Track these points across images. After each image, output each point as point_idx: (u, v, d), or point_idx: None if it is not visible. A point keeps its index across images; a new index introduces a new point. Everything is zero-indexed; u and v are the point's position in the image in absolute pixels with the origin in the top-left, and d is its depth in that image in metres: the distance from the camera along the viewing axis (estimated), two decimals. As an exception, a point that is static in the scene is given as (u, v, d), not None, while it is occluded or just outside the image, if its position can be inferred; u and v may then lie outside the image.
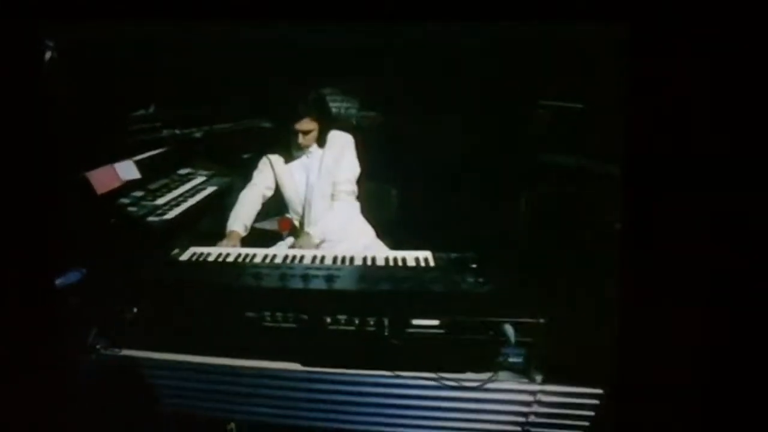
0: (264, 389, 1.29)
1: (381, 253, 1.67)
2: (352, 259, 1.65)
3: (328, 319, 1.26)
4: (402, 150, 2.91)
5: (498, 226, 2.13)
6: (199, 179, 3.13)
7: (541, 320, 1.19)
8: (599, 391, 1.22)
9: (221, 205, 2.54)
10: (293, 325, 1.26)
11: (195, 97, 3.30)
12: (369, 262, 1.61)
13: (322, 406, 1.29)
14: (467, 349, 1.24)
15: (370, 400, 1.28)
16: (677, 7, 1.46)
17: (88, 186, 2.30)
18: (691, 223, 1.47)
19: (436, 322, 1.24)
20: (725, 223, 1.45)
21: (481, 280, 1.34)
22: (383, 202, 2.56)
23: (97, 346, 1.33)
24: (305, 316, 1.24)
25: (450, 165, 2.77)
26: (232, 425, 1.48)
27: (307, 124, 2.06)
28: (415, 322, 1.25)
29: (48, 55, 2.42)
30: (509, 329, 1.21)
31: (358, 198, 2.34)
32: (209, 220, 2.52)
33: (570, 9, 1.50)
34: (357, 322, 1.24)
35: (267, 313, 1.27)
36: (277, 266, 1.58)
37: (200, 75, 3.12)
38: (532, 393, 1.25)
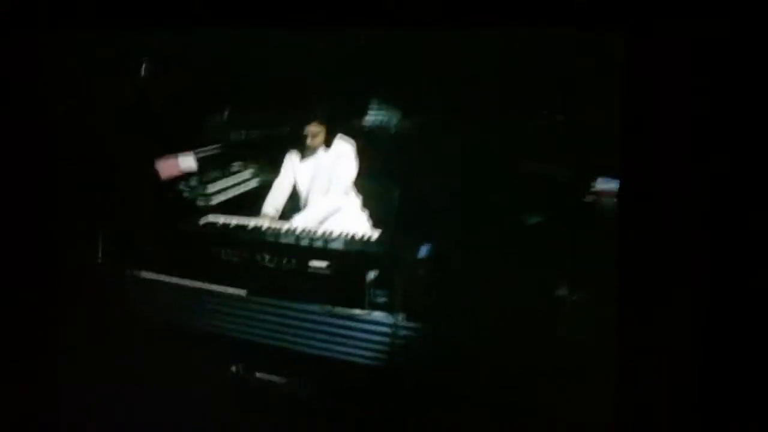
0: (220, 306, 2.03)
1: (348, 230, 2.28)
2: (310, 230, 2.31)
3: (258, 257, 1.98)
4: (405, 155, 3.49)
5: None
6: (247, 174, 4.07)
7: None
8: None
9: (262, 196, 3.29)
10: (236, 260, 2.01)
11: (258, 104, 4.28)
12: (324, 233, 2.27)
13: (257, 323, 1.99)
14: (349, 287, 1.86)
15: (288, 321, 1.96)
16: (671, 18, 1.63)
17: (155, 172, 3.32)
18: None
19: (324, 264, 1.89)
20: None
21: (385, 246, 1.94)
22: (386, 199, 3.18)
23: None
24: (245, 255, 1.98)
25: (446, 170, 3.28)
26: (234, 367, 2.19)
27: (315, 126, 2.73)
28: (311, 263, 1.92)
29: (143, 69, 3.53)
30: (371, 274, 1.79)
31: (358, 194, 3.00)
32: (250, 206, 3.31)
33: (567, 18, 1.74)
34: (275, 260, 1.94)
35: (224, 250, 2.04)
36: (258, 229, 2.33)
37: (256, 85, 4.08)
38: (393, 326, 1.81)
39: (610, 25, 1.73)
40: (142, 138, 3.23)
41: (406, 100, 3.85)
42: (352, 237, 2.16)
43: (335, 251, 1.95)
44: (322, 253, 1.97)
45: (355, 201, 3.01)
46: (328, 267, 1.91)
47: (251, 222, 2.47)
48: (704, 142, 1.64)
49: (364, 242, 2.10)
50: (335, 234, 2.19)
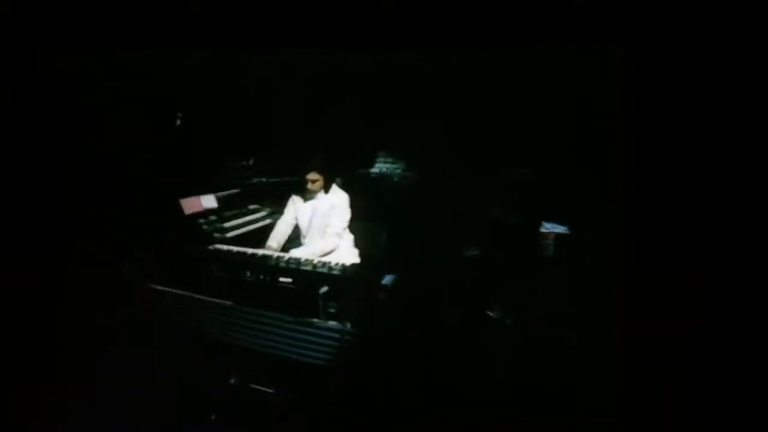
0: (211, 314, 2.60)
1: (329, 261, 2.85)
2: (296, 258, 2.88)
3: (241, 274, 2.56)
4: (392, 202, 4.08)
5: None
6: (262, 213, 4.75)
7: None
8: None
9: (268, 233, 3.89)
10: (226, 276, 2.60)
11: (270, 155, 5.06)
12: (304, 259, 2.82)
13: (241, 329, 2.55)
14: (309, 300, 2.39)
15: (265, 327, 2.51)
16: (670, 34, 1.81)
17: (179, 207, 4.04)
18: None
19: (290, 280, 2.44)
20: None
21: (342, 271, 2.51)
22: (374, 239, 3.74)
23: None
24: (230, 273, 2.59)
25: (426, 216, 3.82)
26: (233, 380, 2.73)
27: (314, 175, 3.38)
28: (281, 279, 2.47)
29: (177, 122, 4.35)
30: (324, 289, 2.33)
31: (352, 233, 3.56)
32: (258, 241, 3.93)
33: (563, 37, 1.91)
34: (254, 276, 2.52)
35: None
36: (254, 255, 2.92)
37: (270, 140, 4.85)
38: (341, 332, 2.31)
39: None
40: (172, 178, 3.99)
41: (394, 155, 4.55)
42: (321, 263, 2.72)
43: (300, 271, 2.52)
44: (291, 272, 2.54)
45: (348, 240, 3.59)
46: (292, 283, 2.48)
47: (249, 251, 3.08)
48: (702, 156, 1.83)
49: (330, 267, 2.65)
50: (310, 260, 2.77)
